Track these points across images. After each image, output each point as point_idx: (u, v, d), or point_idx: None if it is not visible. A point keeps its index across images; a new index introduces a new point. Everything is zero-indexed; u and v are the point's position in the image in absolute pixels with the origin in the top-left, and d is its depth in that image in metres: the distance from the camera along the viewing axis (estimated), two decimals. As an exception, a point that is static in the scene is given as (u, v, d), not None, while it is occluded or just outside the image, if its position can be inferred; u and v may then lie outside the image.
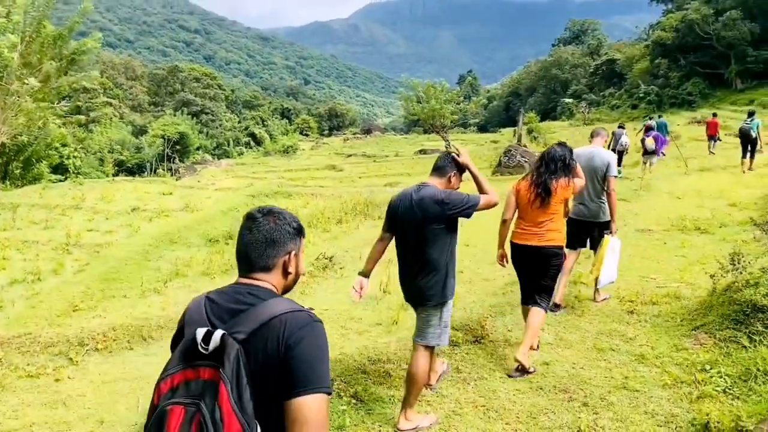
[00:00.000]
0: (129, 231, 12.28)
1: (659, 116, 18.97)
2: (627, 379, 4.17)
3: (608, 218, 5.70)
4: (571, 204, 4.86)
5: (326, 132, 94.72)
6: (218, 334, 1.56)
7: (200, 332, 1.57)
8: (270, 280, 1.79)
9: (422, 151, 39.37)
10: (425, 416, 3.83)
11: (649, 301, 5.68)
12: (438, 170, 3.84)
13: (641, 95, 61.80)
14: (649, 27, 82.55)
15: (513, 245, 4.68)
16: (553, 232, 4.50)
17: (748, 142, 14.76)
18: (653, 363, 4.40)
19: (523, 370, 4.36)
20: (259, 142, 68.36)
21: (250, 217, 1.84)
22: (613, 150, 16.52)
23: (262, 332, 1.60)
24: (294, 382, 1.57)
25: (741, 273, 4.69)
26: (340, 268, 7.93)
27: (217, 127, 64.48)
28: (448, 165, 3.82)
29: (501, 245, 4.82)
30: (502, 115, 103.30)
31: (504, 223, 4.70)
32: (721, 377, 3.98)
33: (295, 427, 1.54)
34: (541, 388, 4.14)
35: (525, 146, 22.18)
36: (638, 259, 7.18)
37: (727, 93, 53.36)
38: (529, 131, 33.43)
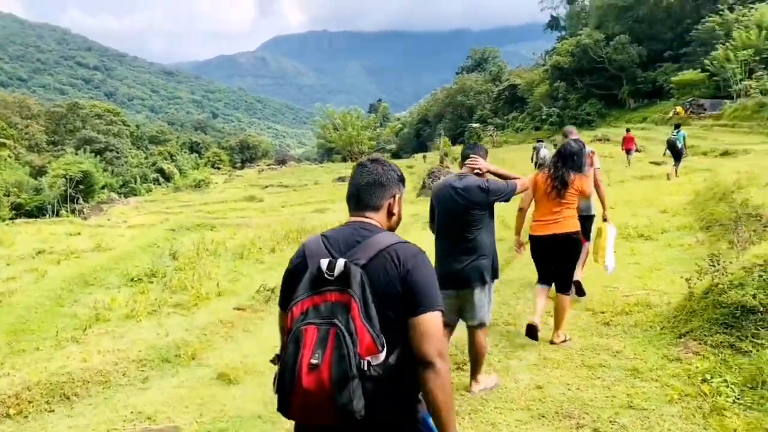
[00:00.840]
0: (35, 276, 11.02)
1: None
2: (630, 397, 3.84)
3: (593, 212, 6.11)
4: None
5: (239, 164, 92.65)
6: (341, 261, 1.81)
7: (324, 262, 1.81)
8: (378, 219, 2.06)
9: (341, 179, 39.04)
10: (489, 377, 4.32)
11: (621, 311, 5.46)
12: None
13: (543, 117, 64.68)
14: (546, 53, 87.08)
15: (534, 238, 4.96)
16: (570, 219, 4.85)
17: (676, 152, 15.86)
18: (650, 377, 4.11)
19: (533, 334, 4.80)
20: (168, 178, 65.65)
21: (360, 165, 2.12)
22: (534, 163, 16.99)
23: (378, 259, 1.86)
24: (418, 303, 1.83)
25: (723, 275, 4.51)
26: (284, 300, 7.30)
27: (122, 164, 61.40)
28: (481, 152, 4.24)
29: (518, 232, 5.19)
30: (414, 142, 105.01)
31: (521, 211, 5.05)
32: (727, 386, 3.73)
33: (423, 338, 1.81)
34: (543, 416, 3.73)
35: (448, 167, 22.28)
36: (595, 270, 7.00)
37: (621, 112, 56.69)
38: (445, 155, 33.90)
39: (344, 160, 56.70)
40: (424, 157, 53.84)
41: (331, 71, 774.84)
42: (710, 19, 49.57)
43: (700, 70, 47.09)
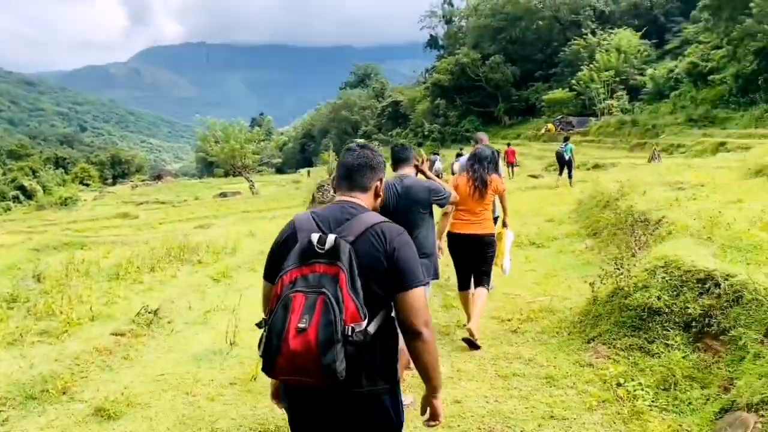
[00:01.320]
0: None
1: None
2: (550, 407, 3.70)
3: (498, 213, 6.16)
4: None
5: (110, 180, 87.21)
6: (332, 236, 1.96)
7: (315, 236, 1.97)
8: (365, 200, 2.19)
9: (223, 194, 37.66)
10: (405, 396, 3.88)
11: (527, 318, 5.40)
12: (406, 161, 4.26)
13: (426, 133, 66.52)
14: (426, 71, 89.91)
15: (453, 235, 5.14)
16: (488, 221, 5.16)
17: (563, 163, 16.97)
18: (566, 384, 4.01)
19: (472, 344, 4.82)
20: (30, 196, 60.12)
21: (349, 149, 2.29)
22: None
23: (365, 236, 1.99)
24: (404, 279, 1.98)
25: (627, 277, 4.55)
26: (169, 322, 6.58)
27: (-26, 181, 55.55)
28: (411, 154, 4.34)
29: (440, 236, 5.10)
30: (298, 157, 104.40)
31: (445, 215, 5.04)
32: (642, 389, 3.70)
33: (411, 311, 1.97)
34: (464, 434, 3.49)
35: (337, 180, 22.00)
36: (493, 277, 7.00)
37: (498, 128, 59.39)
38: (330, 172, 33.66)
39: (226, 174, 54.88)
40: (308, 172, 53.45)
41: (210, 84, 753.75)
42: (575, 42, 53.44)
43: (568, 89, 50.57)
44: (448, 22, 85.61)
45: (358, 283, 1.91)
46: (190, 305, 7.12)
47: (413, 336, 1.98)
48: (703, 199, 7.31)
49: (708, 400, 3.42)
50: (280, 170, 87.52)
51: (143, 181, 76.76)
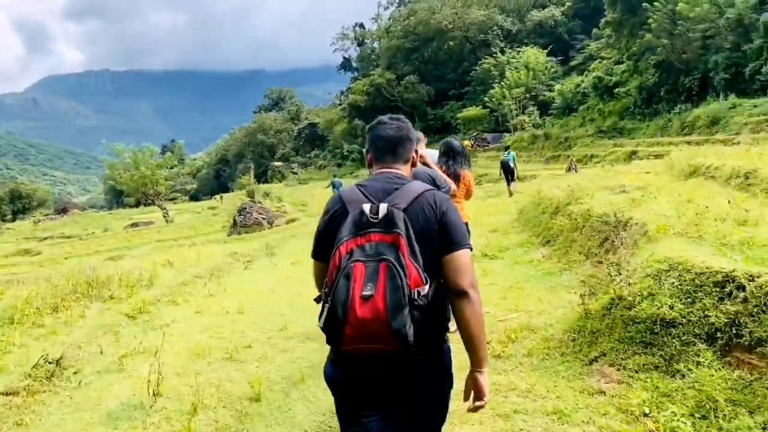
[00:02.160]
0: None
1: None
2: (573, 453, 2.98)
3: None
4: None
5: (9, 217, 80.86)
6: (384, 206, 2.00)
7: (366, 206, 2.01)
8: (405, 170, 2.28)
9: (134, 225, 35.34)
10: None
11: (507, 338, 4.70)
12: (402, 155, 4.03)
13: (345, 154, 66.17)
14: (341, 93, 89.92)
15: None
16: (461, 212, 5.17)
17: (508, 171, 16.83)
18: (580, 420, 3.32)
19: None
20: None
21: (381, 122, 2.35)
22: None
23: (417, 203, 2.05)
24: (452, 241, 2.03)
25: (629, 285, 3.93)
26: (75, 373, 5.41)
27: None
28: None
29: None
30: (213, 183, 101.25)
31: None
32: (677, 419, 3.05)
33: (458, 272, 2.00)
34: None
35: (260, 203, 20.86)
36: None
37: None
38: (251, 194, 32.40)
39: (137, 204, 51.91)
40: (221, 197, 51.42)
41: (116, 112, 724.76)
42: (486, 61, 54.78)
43: (481, 106, 51.62)
44: (361, 44, 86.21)
45: (416, 248, 1.93)
46: (102, 349, 5.99)
47: (460, 296, 2.00)
48: (652, 200, 6.95)
49: (764, 428, 2.81)
50: (194, 197, 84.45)
51: (47, 215, 71.63)
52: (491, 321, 5.26)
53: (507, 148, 19.01)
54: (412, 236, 1.93)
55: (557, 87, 46.27)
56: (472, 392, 2.06)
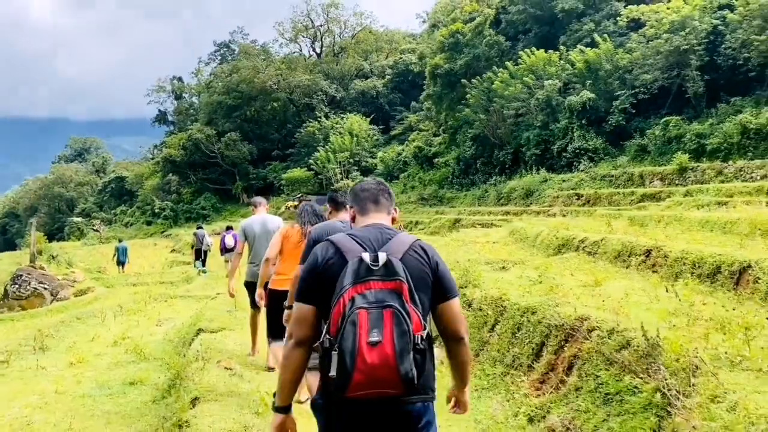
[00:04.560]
0: None
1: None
2: None
3: None
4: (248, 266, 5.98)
5: None
6: (383, 254, 2.12)
7: (366, 255, 2.11)
8: (388, 223, 2.42)
9: None
10: None
11: None
12: (345, 205, 4.30)
13: (156, 211, 61.25)
14: (155, 146, 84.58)
15: (273, 291, 5.14)
16: None
17: None
18: None
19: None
20: None
21: (363, 182, 2.62)
22: (198, 250, 18.18)
23: (410, 253, 2.19)
24: (448, 290, 2.23)
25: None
26: None
27: None
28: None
29: (262, 284, 5.33)
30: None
31: (267, 261, 5.21)
32: None
33: (455, 319, 2.23)
34: None
35: (42, 268, 17.11)
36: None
37: (236, 206, 57.29)
38: (39, 252, 27.58)
39: None
40: (31, 254, 44.09)
41: None
42: (311, 124, 54.65)
43: (306, 168, 50.92)
44: (178, 97, 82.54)
45: (416, 295, 2.09)
46: None
47: (458, 341, 2.25)
48: (566, 285, 5.81)
49: None
50: (-31, 256, 72.35)
51: None
52: None
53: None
54: (412, 284, 2.09)
55: (379, 154, 47.23)
56: (457, 406, 2.45)
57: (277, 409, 2.24)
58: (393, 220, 2.44)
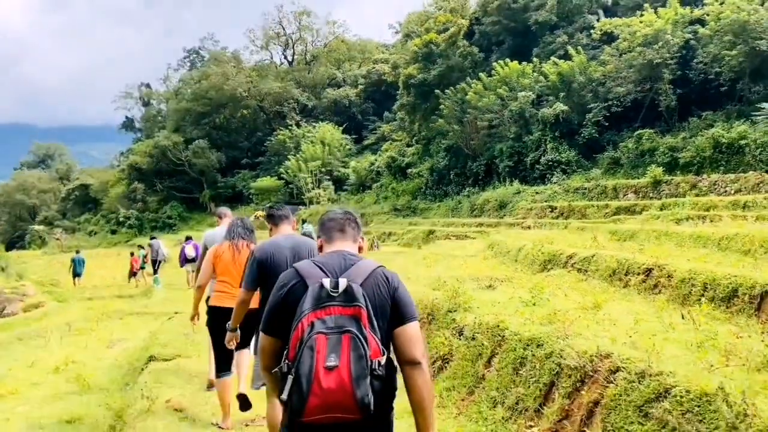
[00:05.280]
0: None
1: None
2: None
3: None
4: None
5: None
6: (343, 280, 2.11)
7: (326, 281, 2.11)
8: (354, 250, 2.42)
9: None
10: None
11: None
12: (287, 218, 4.39)
13: (121, 220, 59.62)
14: (121, 154, 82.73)
15: (215, 309, 4.93)
16: None
17: None
18: None
19: (247, 404, 4.66)
20: None
21: (332, 212, 2.57)
22: (154, 260, 17.90)
23: (371, 279, 2.19)
24: (405, 314, 2.20)
25: None
26: None
27: None
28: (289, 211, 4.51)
29: (196, 307, 5.27)
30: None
31: (200, 288, 5.15)
32: None
33: (411, 343, 2.16)
34: None
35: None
36: None
37: (204, 215, 55.95)
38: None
39: None
40: None
41: None
42: (281, 132, 53.79)
43: (276, 177, 50.01)
44: (146, 104, 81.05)
45: (374, 321, 2.07)
46: None
47: (413, 366, 2.14)
48: (563, 308, 5.17)
49: None
50: None
51: None
52: None
53: (304, 221, 17.69)
54: (371, 310, 2.08)
55: (352, 164, 46.65)
56: None
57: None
58: (360, 248, 2.45)
